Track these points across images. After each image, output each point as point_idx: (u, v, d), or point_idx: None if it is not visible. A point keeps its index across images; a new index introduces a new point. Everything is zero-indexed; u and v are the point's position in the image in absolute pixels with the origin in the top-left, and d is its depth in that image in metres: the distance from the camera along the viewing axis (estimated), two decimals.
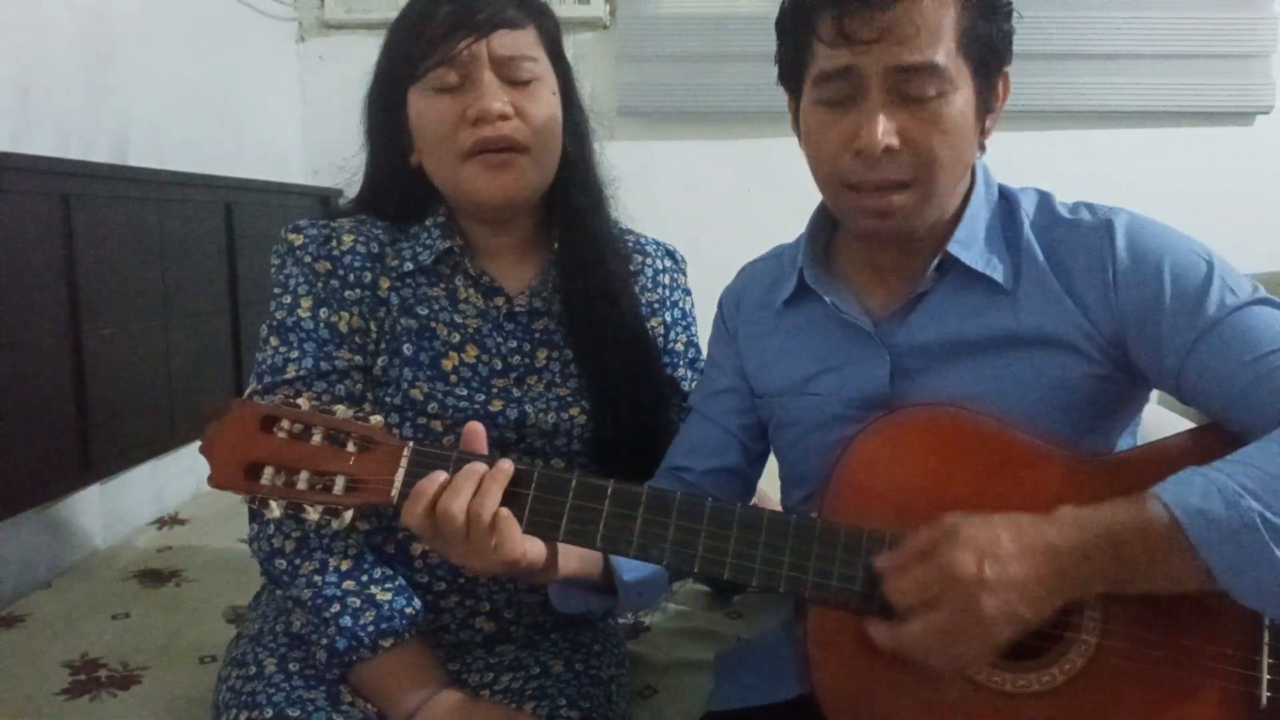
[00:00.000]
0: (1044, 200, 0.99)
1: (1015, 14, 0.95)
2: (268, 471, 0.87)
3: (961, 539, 0.76)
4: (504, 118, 1.06)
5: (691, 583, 1.52)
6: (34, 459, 1.56)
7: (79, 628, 1.41)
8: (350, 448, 0.87)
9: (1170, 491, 0.76)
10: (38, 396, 1.57)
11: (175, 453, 1.98)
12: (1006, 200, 1.00)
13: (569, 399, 1.13)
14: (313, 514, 0.87)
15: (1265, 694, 0.81)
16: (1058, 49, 2.79)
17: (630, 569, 0.97)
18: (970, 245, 0.96)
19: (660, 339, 1.23)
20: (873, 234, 0.97)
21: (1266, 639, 0.82)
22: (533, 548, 0.87)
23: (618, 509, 0.85)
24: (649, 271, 1.23)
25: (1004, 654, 0.81)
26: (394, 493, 0.86)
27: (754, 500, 1.36)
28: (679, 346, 1.25)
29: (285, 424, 0.87)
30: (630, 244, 1.23)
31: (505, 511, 0.84)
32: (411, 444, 0.87)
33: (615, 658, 1.18)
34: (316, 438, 0.87)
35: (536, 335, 1.15)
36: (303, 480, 0.86)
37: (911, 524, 0.83)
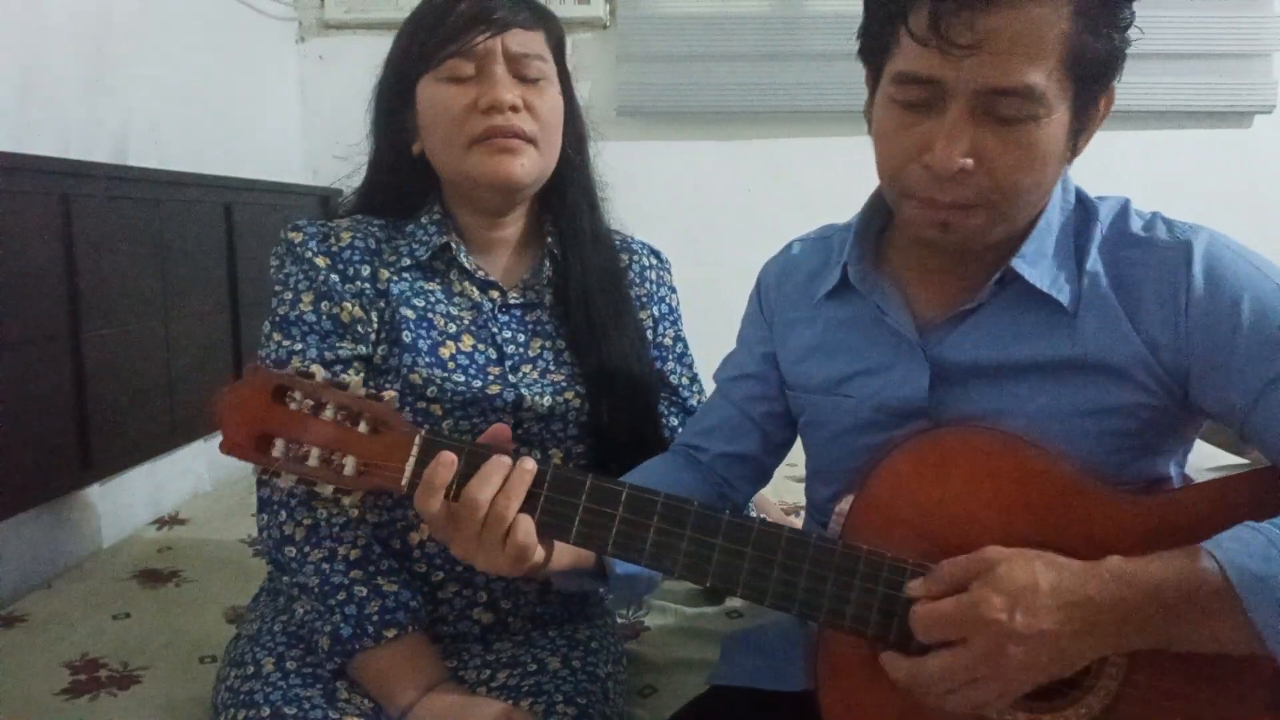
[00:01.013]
0: (1122, 212, 0.91)
1: (1135, 27, 0.83)
2: (279, 444, 0.86)
3: (998, 579, 0.72)
4: (514, 109, 1.09)
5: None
6: (34, 459, 1.56)
7: (79, 628, 1.41)
8: (362, 428, 0.86)
9: (1225, 549, 0.72)
10: (38, 396, 1.57)
11: (175, 453, 1.98)
12: (1084, 208, 0.92)
13: (564, 384, 1.15)
14: (324, 490, 0.86)
15: None
16: None
17: (624, 564, 0.94)
18: (1037, 262, 0.88)
19: (649, 332, 1.25)
20: (929, 243, 0.90)
21: None
22: (540, 554, 0.85)
23: (631, 515, 0.83)
24: (636, 268, 1.27)
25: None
26: (404, 481, 0.85)
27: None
28: (667, 341, 1.28)
29: (297, 395, 0.86)
30: (618, 242, 1.27)
31: (525, 516, 0.83)
32: (423, 432, 0.86)
33: (613, 655, 1.18)
34: (328, 413, 0.86)
35: (530, 327, 1.17)
36: (314, 457, 0.85)
37: (937, 554, 0.80)
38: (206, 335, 2.10)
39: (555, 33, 1.17)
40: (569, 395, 1.14)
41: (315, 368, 0.87)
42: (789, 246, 1.11)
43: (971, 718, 0.80)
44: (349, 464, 0.85)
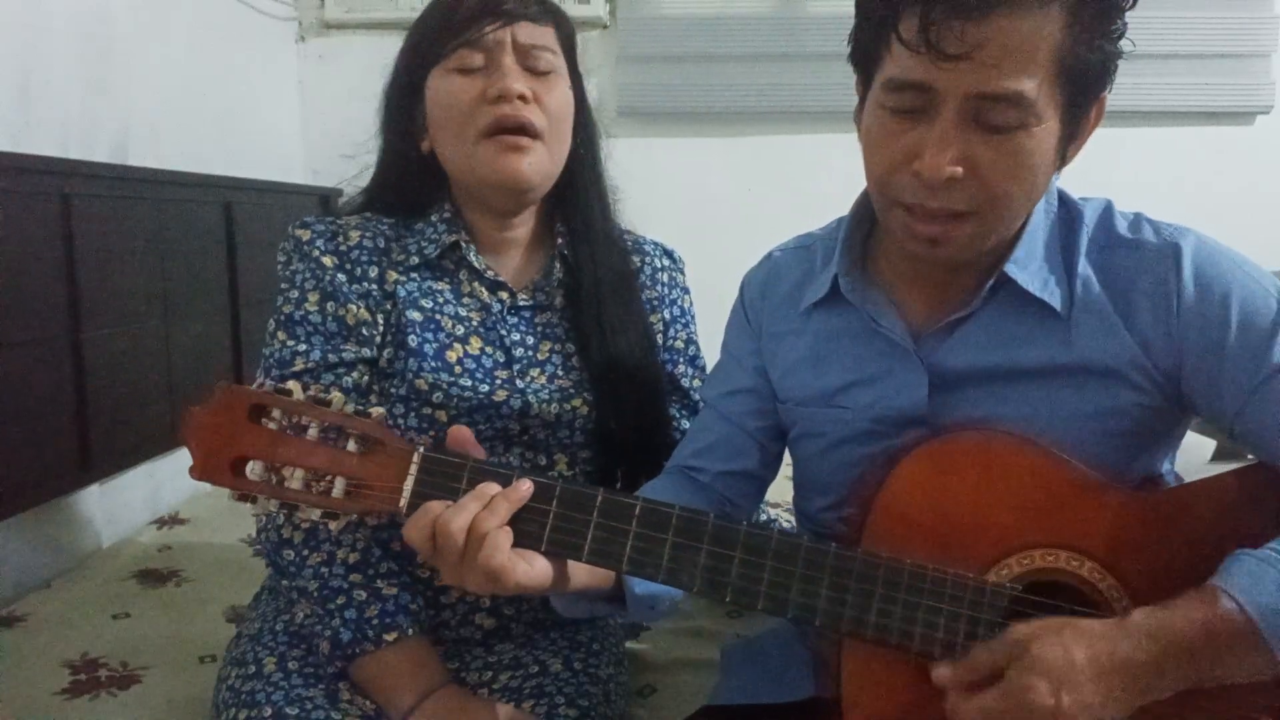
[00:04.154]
0: (1106, 214, 0.92)
1: (1126, 37, 0.83)
2: (256, 466, 0.80)
3: (1034, 663, 0.72)
4: (523, 99, 1.08)
5: None
6: (34, 459, 1.56)
7: (79, 628, 1.41)
8: (351, 446, 0.81)
9: (1241, 587, 0.74)
10: (38, 396, 1.57)
11: (174, 453, 1.98)
12: (1067, 210, 0.93)
13: (571, 390, 1.14)
14: (310, 515, 0.81)
15: None
16: None
17: (642, 582, 0.91)
18: (1027, 265, 0.89)
19: (660, 335, 1.24)
20: (918, 258, 0.90)
21: None
22: (525, 570, 0.81)
23: (646, 530, 0.80)
24: (648, 270, 1.25)
25: None
26: (403, 502, 0.80)
27: None
28: (679, 344, 1.27)
29: (276, 414, 0.81)
30: (629, 243, 1.25)
31: (499, 537, 0.79)
32: (422, 449, 0.81)
33: (614, 657, 1.18)
34: (312, 431, 0.81)
35: (539, 329, 1.16)
36: (296, 479, 0.80)
37: (956, 556, 0.81)
38: (206, 335, 2.09)
39: (566, 29, 1.16)
40: (576, 402, 1.13)
41: (293, 384, 0.82)
42: (769, 256, 1.10)
43: None
44: (337, 485, 0.80)
